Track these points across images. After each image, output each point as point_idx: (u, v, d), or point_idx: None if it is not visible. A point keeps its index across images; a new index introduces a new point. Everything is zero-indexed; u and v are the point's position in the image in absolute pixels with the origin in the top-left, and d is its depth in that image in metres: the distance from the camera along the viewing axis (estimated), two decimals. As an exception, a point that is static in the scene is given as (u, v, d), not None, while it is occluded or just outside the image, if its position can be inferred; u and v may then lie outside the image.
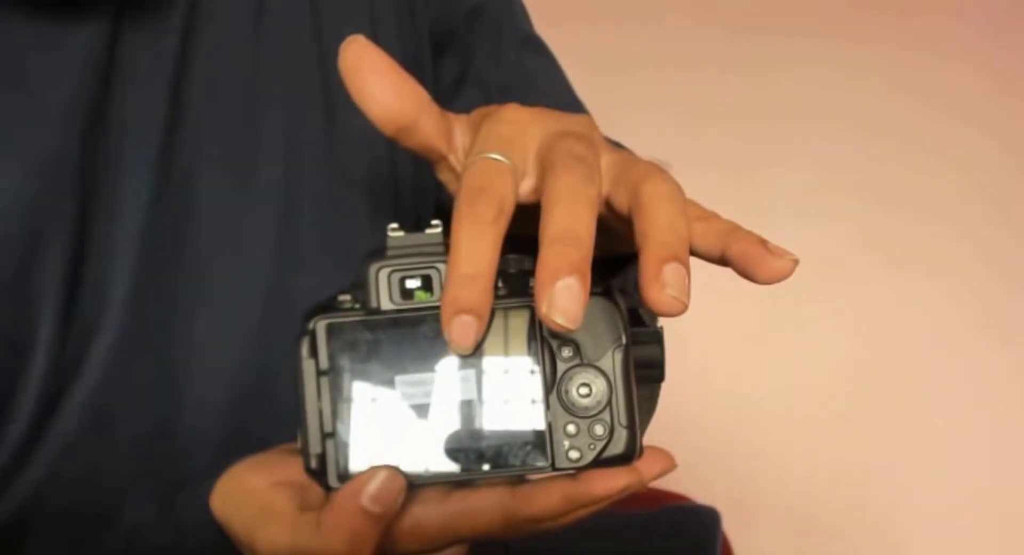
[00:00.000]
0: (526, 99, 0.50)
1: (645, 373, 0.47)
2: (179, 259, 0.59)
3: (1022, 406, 1.70)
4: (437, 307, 0.44)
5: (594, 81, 1.72)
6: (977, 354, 1.70)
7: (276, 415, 0.61)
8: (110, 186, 0.56)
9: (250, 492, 0.48)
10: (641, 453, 0.45)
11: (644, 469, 0.45)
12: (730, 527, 1.56)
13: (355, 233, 0.65)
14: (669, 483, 1.65)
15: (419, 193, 0.73)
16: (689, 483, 1.63)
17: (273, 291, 0.61)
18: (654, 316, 0.48)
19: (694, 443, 1.62)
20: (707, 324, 1.67)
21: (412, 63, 0.70)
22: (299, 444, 0.45)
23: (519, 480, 0.46)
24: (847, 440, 1.69)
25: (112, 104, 0.56)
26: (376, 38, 0.67)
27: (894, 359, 1.71)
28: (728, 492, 1.61)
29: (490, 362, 0.44)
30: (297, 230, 0.63)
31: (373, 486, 0.42)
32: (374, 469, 0.43)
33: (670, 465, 0.46)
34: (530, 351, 0.44)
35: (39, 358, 0.54)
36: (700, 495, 1.62)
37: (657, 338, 0.47)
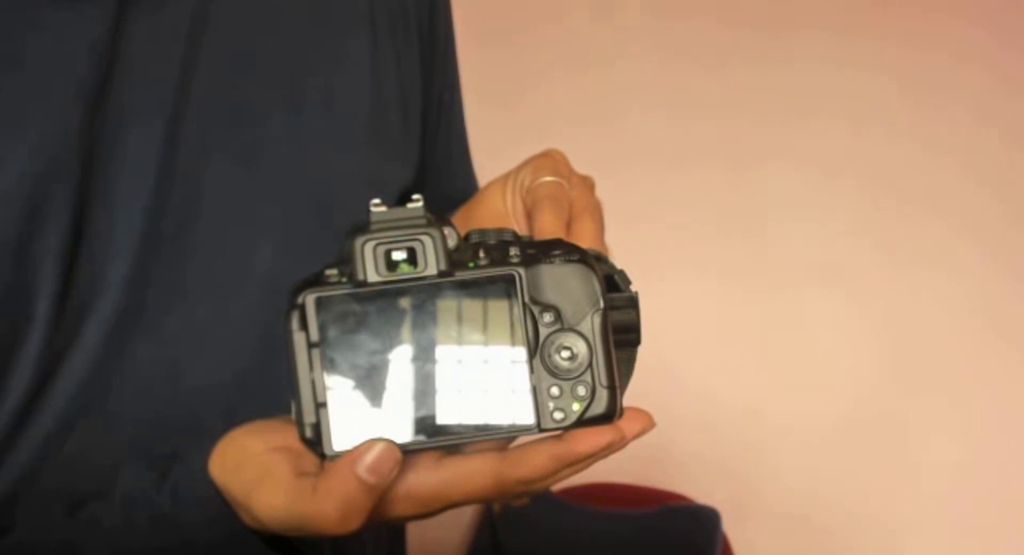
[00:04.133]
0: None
1: (623, 337, 0.49)
2: (183, 243, 0.60)
3: (1024, 408, 1.71)
4: (422, 278, 0.46)
5: (594, 75, 1.75)
6: (980, 355, 1.70)
7: (275, 400, 0.63)
8: (111, 169, 0.58)
9: (249, 456, 0.49)
10: (622, 413, 0.47)
11: (626, 427, 0.47)
12: (730, 527, 1.58)
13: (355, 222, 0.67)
14: (670, 483, 1.67)
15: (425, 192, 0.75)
16: (689, 483, 1.64)
17: (276, 278, 0.63)
18: (628, 282, 0.51)
19: (694, 444, 1.63)
20: (708, 325, 1.69)
21: (406, 70, 0.73)
22: (293, 414, 0.47)
23: (507, 443, 0.48)
24: (847, 440, 1.70)
25: (115, 89, 0.58)
26: (374, 43, 0.70)
27: (895, 359, 1.71)
28: (728, 492, 1.62)
29: (474, 330, 0.46)
30: (300, 219, 0.64)
31: (370, 457, 0.44)
32: (371, 441, 0.45)
33: (649, 424, 0.48)
34: (513, 318, 0.47)
35: (35, 334, 0.56)
36: (700, 495, 1.63)
37: (632, 303, 0.50)
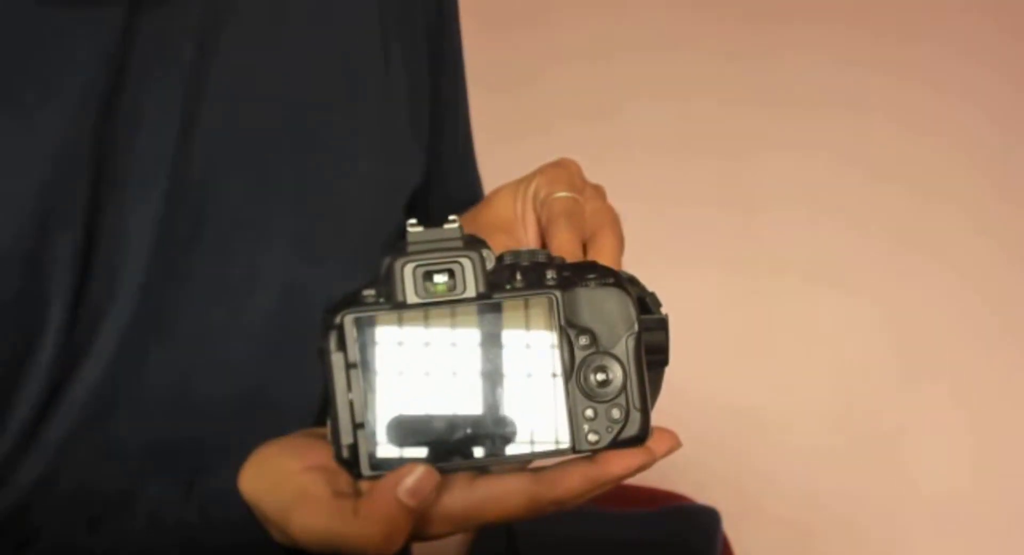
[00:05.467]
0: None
1: (652, 358, 0.49)
2: (196, 248, 0.60)
3: (1025, 409, 1.71)
4: (462, 300, 0.47)
5: (594, 67, 1.75)
6: (983, 354, 1.70)
7: (285, 408, 0.64)
8: (123, 174, 0.58)
9: (284, 475, 0.49)
10: (651, 434, 0.48)
11: (655, 448, 0.48)
12: (730, 527, 1.58)
13: (369, 232, 0.68)
14: (670, 483, 1.68)
15: (431, 192, 0.76)
16: (690, 484, 1.65)
17: (288, 284, 0.63)
18: (658, 304, 0.51)
19: (695, 444, 1.62)
20: (707, 325, 1.69)
21: (415, 71, 0.73)
22: (329, 434, 0.47)
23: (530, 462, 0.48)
24: (847, 440, 1.70)
25: (126, 95, 0.58)
26: (384, 44, 0.70)
27: (896, 357, 1.71)
28: (728, 492, 1.63)
29: (512, 352, 0.47)
30: (312, 224, 0.65)
31: (410, 480, 0.45)
32: (412, 464, 0.45)
33: (676, 444, 0.49)
34: (550, 340, 0.47)
35: (49, 340, 0.56)
36: (700, 495, 1.63)
37: (663, 325, 0.50)
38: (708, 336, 1.69)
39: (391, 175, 0.70)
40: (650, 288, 0.52)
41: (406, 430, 0.47)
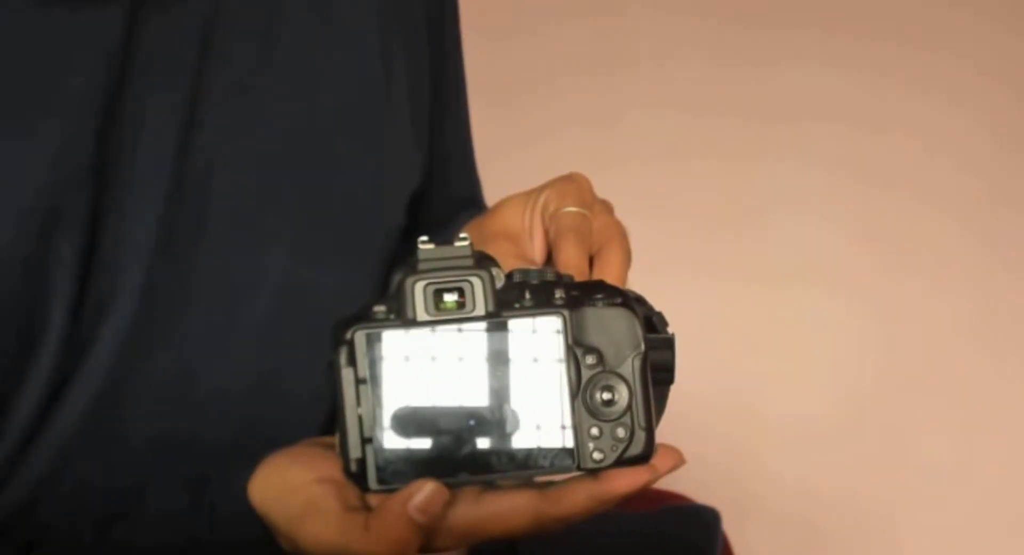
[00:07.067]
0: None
1: (658, 376, 0.50)
2: (196, 250, 0.61)
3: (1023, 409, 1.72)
4: (471, 318, 0.47)
5: (595, 76, 1.75)
6: (978, 356, 1.71)
7: (285, 410, 0.64)
8: (124, 176, 0.58)
9: (294, 487, 0.50)
10: (656, 451, 0.49)
11: (659, 465, 0.49)
12: (730, 527, 1.59)
13: (369, 233, 0.68)
14: (670, 483, 1.67)
15: (430, 194, 0.76)
16: (689, 484, 1.65)
17: (289, 283, 0.64)
18: (665, 323, 0.52)
19: (694, 444, 1.62)
20: (706, 325, 1.69)
21: (416, 73, 0.73)
22: (338, 447, 0.48)
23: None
24: (846, 441, 1.71)
25: (128, 96, 0.58)
26: (385, 46, 0.70)
27: (894, 360, 1.72)
28: (728, 493, 1.63)
29: (520, 370, 0.48)
30: (312, 226, 0.65)
31: (420, 497, 0.46)
32: (421, 481, 0.46)
33: (680, 461, 0.50)
34: (557, 359, 0.48)
35: (50, 343, 0.57)
36: (700, 495, 1.64)
37: (669, 344, 0.51)
38: (708, 336, 1.69)
39: (391, 176, 0.71)
40: (648, 293, 0.53)
41: (414, 445, 0.47)
